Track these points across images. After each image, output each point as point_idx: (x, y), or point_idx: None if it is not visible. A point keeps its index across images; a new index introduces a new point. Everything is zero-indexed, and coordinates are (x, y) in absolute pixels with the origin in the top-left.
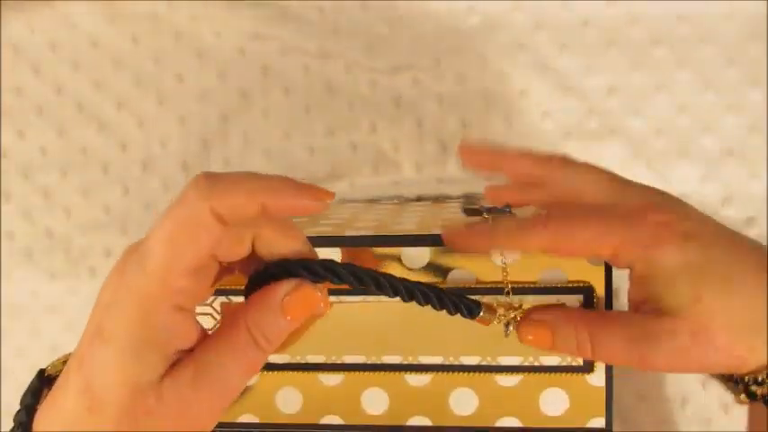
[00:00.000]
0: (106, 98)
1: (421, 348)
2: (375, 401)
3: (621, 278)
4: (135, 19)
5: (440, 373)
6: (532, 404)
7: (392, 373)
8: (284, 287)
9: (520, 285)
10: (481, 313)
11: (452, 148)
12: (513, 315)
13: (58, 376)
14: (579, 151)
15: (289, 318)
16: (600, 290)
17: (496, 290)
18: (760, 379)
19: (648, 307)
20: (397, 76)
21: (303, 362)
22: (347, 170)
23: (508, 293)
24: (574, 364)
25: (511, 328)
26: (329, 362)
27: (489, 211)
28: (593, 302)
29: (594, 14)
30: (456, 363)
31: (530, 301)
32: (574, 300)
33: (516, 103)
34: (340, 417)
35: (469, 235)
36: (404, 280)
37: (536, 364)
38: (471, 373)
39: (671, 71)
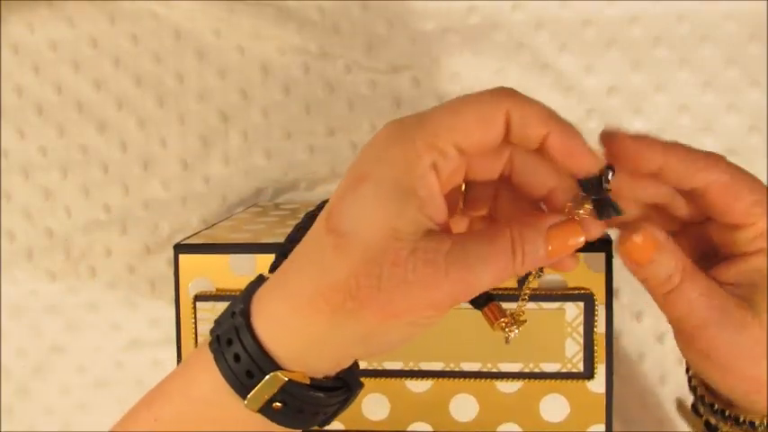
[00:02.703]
0: (106, 98)
1: (422, 354)
2: (376, 407)
3: (622, 281)
4: (135, 19)
5: (440, 380)
6: (533, 410)
7: (393, 379)
8: (553, 217)
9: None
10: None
11: None
12: (515, 331)
13: None
14: None
15: (549, 247)
16: (600, 296)
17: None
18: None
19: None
20: (397, 76)
21: None
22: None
23: (525, 300)
24: (574, 371)
25: (512, 335)
26: None
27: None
28: (593, 309)
29: (594, 14)
30: (457, 369)
31: (529, 307)
32: (574, 306)
33: None
34: (341, 423)
35: (638, 142)
36: None
37: (536, 370)
38: (472, 380)
39: (671, 71)
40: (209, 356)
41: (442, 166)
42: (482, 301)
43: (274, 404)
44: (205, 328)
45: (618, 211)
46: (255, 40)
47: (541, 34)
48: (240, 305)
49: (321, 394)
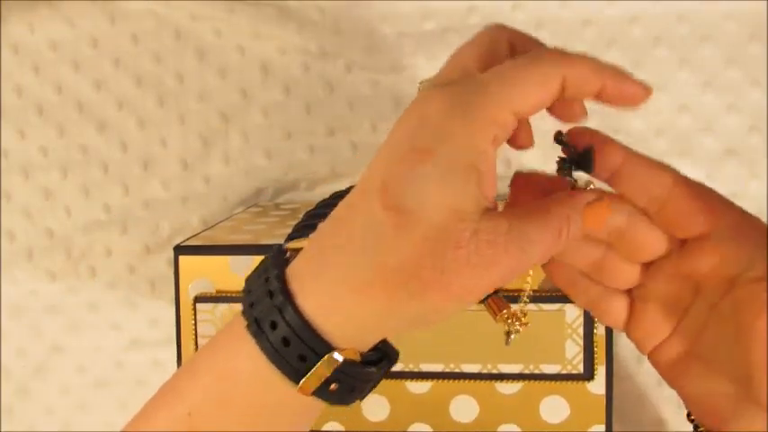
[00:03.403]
0: (106, 98)
1: (422, 356)
2: (376, 408)
3: None
4: (135, 19)
5: (440, 381)
6: (533, 412)
7: (393, 381)
8: (589, 195)
9: (520, 293)
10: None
11: None
12: (518, 326)
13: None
14: None
15: (586, 223)
16: None
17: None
18: None
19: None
20: (397, 76)
21: None
22: (347, 170)
23: (526, 302)
24: (574, 372)
25: (512, 336)
26: None
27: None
28: None
29: (594, 14)
30: (457, 370)
31: (530, 308)
32: (574, 308)
33: None
34: (341, 423)
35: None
36: None
37: (536, 372)
38: (472, 381)
39: (671, 71)
40: (246, 338)
41: (500, 137)
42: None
43: (331, 386)
44: (205, 329)
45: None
46: (255, 40)
47: (541, 34)
48: (276, 283)
49: (373, 369)
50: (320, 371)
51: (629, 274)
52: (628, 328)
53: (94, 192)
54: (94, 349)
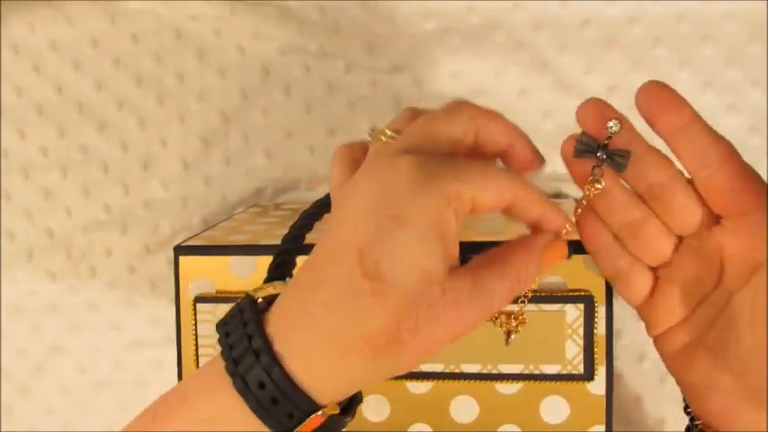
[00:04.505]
0: (106, 98)
1: None
2: (376, 409)
3: None
4: (135, 18)
5: (441, 381)
6: (533, 412)
7: (393, 381)
8: (545, 238)
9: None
10: None
11: None
12: (514, 324)
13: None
14: None
15: (545, 263)
16: (600, 298)
17: None
18: None
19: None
20: (397, 76)
21: None
22: None
23: (524, 302)
24: (574, 372)
25: (513, 336)
26: None
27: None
28: (593, 311)
29: (594, 14)
30: (457, 370)
31: (530, 309)
32: (574, 308)
33: (516, 102)
34: None
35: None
36: None
37: (537, 372)
38: (472, 381)
39: (671, 71)
40: (231, 390)
41: (460, 211)
42: None
43: None
44: (205, 329)
45: (626, 154)
46: (256, 40)
47: (541, 34)
48: (260, 341)
49: (348, 418)
50: (307, 426)
51: (662, 247)
52: (644, 307)
53: (94, 192)
54: (94, 349)
